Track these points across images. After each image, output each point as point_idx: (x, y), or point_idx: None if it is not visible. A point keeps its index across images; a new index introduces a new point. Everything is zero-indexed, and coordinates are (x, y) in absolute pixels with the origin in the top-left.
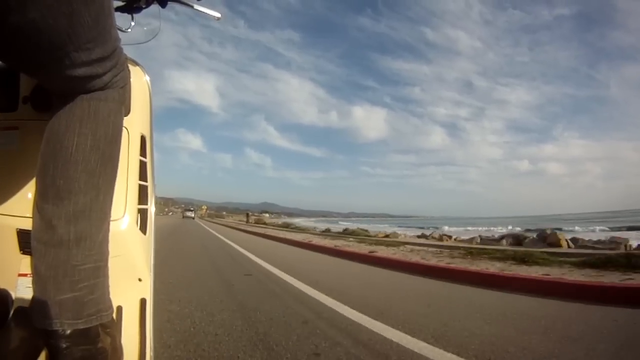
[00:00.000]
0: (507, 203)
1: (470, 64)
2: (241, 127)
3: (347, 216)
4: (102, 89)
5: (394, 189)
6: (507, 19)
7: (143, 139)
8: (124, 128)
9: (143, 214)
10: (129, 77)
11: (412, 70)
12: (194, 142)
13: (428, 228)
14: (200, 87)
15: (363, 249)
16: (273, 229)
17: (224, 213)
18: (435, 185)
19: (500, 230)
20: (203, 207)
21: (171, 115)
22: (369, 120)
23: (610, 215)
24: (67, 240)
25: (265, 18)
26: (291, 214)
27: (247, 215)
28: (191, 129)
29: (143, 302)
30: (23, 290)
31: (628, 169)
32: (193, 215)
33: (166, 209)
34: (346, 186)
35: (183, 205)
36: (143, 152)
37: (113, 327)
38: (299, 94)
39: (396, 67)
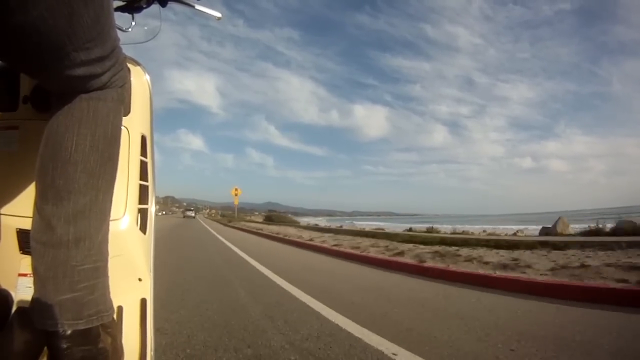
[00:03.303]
0: (512, 200)
1: (471, 61)
2: (242, 127)
3: (351, 215)
4: (100, 88)
5: (397, 188)
6: (508, 15)
7: (143, 138)
8: (124, 128)
9: (143, 213)
10: (129, 77)
11: (413, 68)
12: (196, 142)
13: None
14: (200, 86)
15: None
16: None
17: (234, 213)
18: (439, 183)
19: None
20: (237, 190)
21: (172, 116)
22: (370, 118)
23: (607, 212)
24: (66, 241)
25: (264, 17)
26: (296, 213)
27: None
28: (192, 130)
29: (143, 302)
30: (23, 290)
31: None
32: (194, 214)
33: (157, 206)
34: (349, 185)
35: (185, 204)
36: (143, 152)
37: (114, 327)
38: (300, 93)
39: (396, 65)
